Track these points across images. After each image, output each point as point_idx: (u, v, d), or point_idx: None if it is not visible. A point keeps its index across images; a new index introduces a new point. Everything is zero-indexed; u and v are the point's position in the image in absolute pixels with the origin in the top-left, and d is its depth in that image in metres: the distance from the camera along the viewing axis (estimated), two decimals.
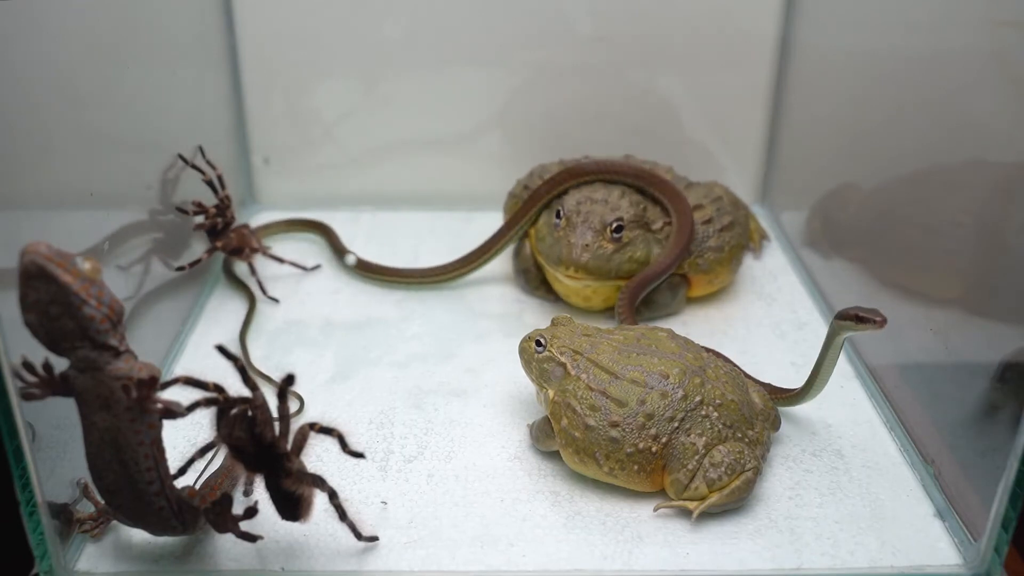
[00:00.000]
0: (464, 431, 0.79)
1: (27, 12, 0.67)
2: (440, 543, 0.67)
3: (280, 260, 1.03)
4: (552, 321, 0.80)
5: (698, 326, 0.94)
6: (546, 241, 0.94)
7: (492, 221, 1.05)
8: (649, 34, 1.11)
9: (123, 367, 0.56)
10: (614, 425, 0.69)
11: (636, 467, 0.69)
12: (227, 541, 0.66)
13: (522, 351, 0.77)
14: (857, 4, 1.00)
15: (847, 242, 1.00)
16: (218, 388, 0.58)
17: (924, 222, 0.85)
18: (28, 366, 0.57)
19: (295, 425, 0.61)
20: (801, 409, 0.81)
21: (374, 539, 0.66)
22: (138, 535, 0.66)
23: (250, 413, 0.58)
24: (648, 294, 0.93)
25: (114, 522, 0.67)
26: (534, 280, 0.98)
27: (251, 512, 0.62)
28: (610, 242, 0.90)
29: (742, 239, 0.99)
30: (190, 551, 0.66)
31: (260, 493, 0.61)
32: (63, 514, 0.65)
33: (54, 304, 0.53)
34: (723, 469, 0.68)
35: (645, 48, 1.12)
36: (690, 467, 0.69)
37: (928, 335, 0.80)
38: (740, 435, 0.71)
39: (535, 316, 0.96)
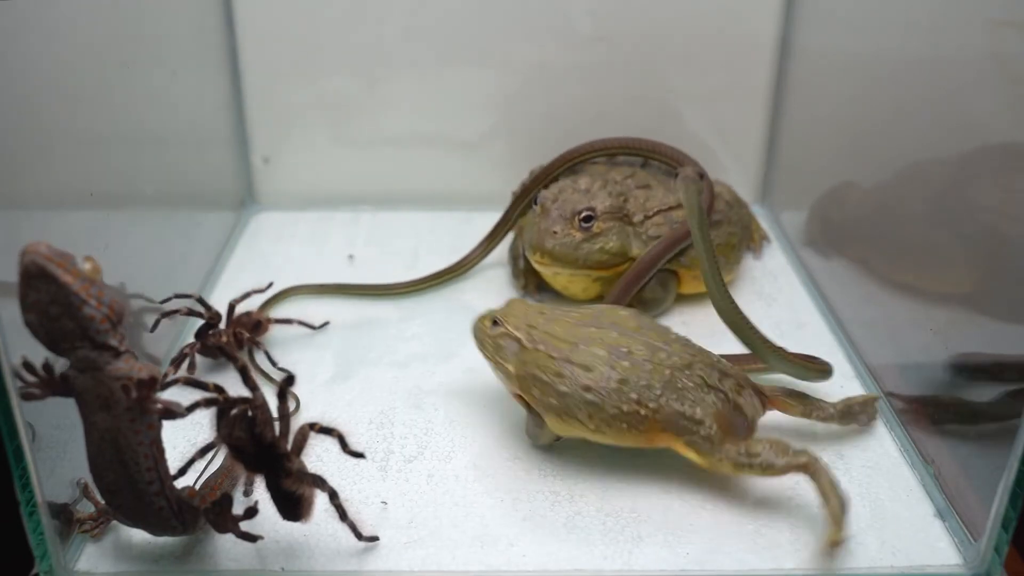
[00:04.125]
0: (464, 431, 0.79)
1: (27, 12, 0.67)
2: (440, 543, 0.67)
3: (288, 321, 0.92)
4: (507, 303, 0.80)
5: (698, 326, 0.94)
6: (527, 228, 0.95)
7: (492, 221, 1.05)
8: (649, 34, 1.11)
9: (123, 367, 0.56)
10: (587, 389, 0.70)
11: (625, 426, 0.69)
12: (227, 541, 0.66)
13: (476, 331, 0.78)
14: (857, 5, 1.00)
15: (846, 241, 1.00)
16: (218, 388, 0.58)
17: (924, 220, 0.85)
18: (28, 366, 0.57)
19: (295, 425, 0.62)
20: None
21: (374, 539, 0.66)
22: (138, 535, 0.66)
23: (250, 413, 0.58)
24: (637, 290, 0.94)
25: (114, 522, 0.67)
26: (523, 271, 0.99)
27: (251, 512, 0.62)
28: (578, 231, 0.91)
29: (734, 238, 0.99)
30: (190, 551, 0.66)
31: (260, 493, 0.61)
32: (63, 514, 0.65)
33: (54, 304, 0.53)
34: (776, 453, 0.67)
35: (645, 48, 1.12)
36: (703, 433, 0.68)
37: (928, 335, 0.80)
38: (715, 382, 0.70)
39: None
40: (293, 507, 0.61)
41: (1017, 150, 0.71)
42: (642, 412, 0.69)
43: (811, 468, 0.66)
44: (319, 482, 0.62)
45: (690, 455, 0.70)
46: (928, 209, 0.84)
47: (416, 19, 1.11)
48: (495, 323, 0.76)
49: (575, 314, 0.76)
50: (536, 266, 0.94)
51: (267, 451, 0.59)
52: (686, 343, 0.74)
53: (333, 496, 0.63)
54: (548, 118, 1.14)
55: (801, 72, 1.10)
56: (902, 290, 0.88)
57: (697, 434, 0.69)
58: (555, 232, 0.91)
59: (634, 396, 0.69)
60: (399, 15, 1.10)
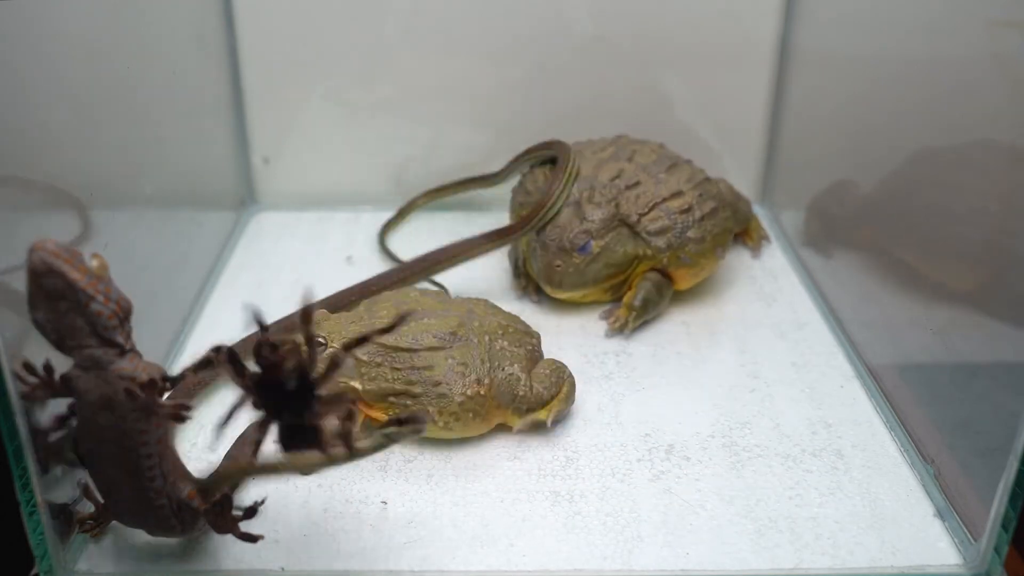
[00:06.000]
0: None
1: (27, 12, 0.67)
2: (440, 543, 0.67)
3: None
4: (316, 320, 0.77)
5: (698, 326, 0.94)
6: (534, 258, 0.95)
7: (492, 221, 1.04)
8: (649, 34, 1.11)
9: (127, 366, 0.56)
10: (436, 384, 0.74)
11: (471, 414, 0.75)
12: (227, 541, 0.66)
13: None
14: (857, 5, 1.00)
15: (846, 239, 1.00)
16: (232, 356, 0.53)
17: (924, 220, 0.85)
18: (28, 367, 0.57)
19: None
20: (801, 409, 0.81)
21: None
22: (138, 535, 0.66)
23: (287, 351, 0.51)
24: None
25: (114, 522, 0.67)
26: (523, 272, 0.99)
27: (251, 512, 0.62)
28: (579, 258, 0.92)
29: (729, 223, 0.98)
30: (190, 551, 0.66)
31: (260, 493, 0.61)
32: (63, 514, 0.65)
33: (62, 301, 0.53)
34: (548, 382, 0.77)
35: (646, 48, 1.12)
36: (521, 393, 0.76)
37: (928, 335, 0.80)
38: (529, 347, 0.80)
39: (535, 316, 0.96)
40: (311, 439, 0.53)
41: (1018, 149, 0.71)
42: (481, 392, 0.75)
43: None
44: (342, 403, 0.53)
45: (516, 422, 0.77)
46: (928, 209, 0.84)
47: (416, 20, 1.11)
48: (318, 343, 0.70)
49: (382, 313, 0.79)
50: (553, 296, 0.95)
51: (297, 376, 0.52)
52: (483, 303, 0.83)
53: (349, 417, 0.54)
54: (548, 118, 1.14)
55: (801, 72, 1.10)
56: (902, 290, 0.88)
57: (518, 395, 0.76)
58: (558, 265, 0.92)
59: (474, 377, 0.75)
60: (399, 15, 1.10)
